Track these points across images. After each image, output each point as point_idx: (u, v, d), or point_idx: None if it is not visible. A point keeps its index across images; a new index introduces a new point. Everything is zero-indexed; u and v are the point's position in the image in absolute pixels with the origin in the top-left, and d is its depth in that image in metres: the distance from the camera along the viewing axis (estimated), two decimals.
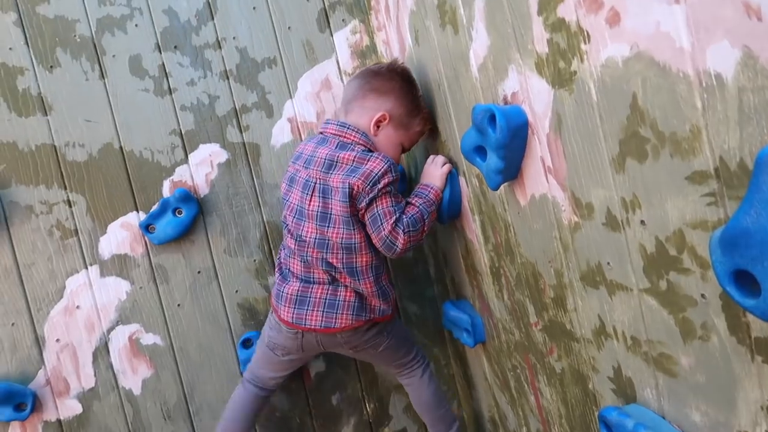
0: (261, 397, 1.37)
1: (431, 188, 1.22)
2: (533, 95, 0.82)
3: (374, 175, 1.15)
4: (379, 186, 1.15)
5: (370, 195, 1.15)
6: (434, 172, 1.24)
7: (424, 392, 1.39)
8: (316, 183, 1.20)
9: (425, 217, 1.19)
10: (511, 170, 0.91)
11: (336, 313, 1.22)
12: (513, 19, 0.81)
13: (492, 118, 0.86)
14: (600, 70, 0.65)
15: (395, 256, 1.20)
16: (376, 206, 1.16)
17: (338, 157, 1.19)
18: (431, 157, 1.27)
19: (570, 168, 0.77)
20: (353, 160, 1.17)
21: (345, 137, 1.22)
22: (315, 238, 1.20)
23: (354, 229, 1.18)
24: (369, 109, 1.24)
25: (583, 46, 0.67)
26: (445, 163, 1.23)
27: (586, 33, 0.66)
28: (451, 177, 1.22)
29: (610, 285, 0.74)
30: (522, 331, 1.07)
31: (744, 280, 0.48)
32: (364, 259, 1.20)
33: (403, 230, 1.16)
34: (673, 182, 0.58)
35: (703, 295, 0.58)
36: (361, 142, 1.22)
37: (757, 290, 0.46)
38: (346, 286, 1.23)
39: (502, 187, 0.98)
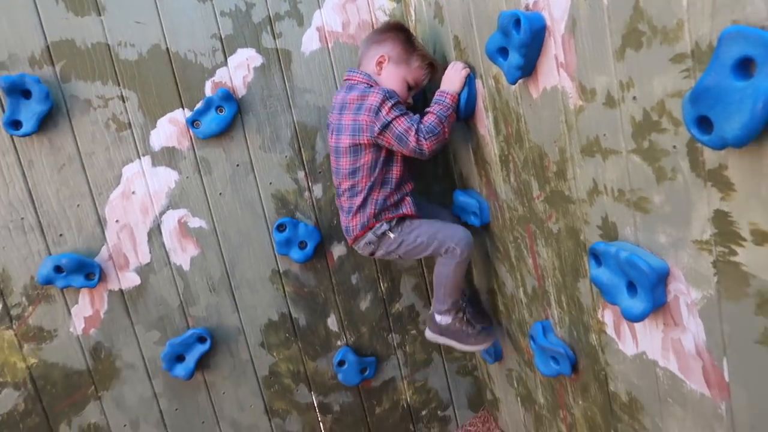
0: None
1: (447, 93, 1.43)
2: (552, 3, 1.01)
3: (374, 106, 1.40)
4: (383, 113, 1.40)
5: (380, 123, 1.40)
6: (454, 76, 1.43)
7: (436, 269, 1.53)
8: (334, 124, 1.50)
9: (443, 120, 1.41)
10: (528, 67, 1.11)
11: (348, 232, 1.54)
12: None
13: (517, 22, 1.06)
14: None
15: (427, 158, 1.46)
16: (395, 128, 1.40)
17: (347, 98, 1.46)
18: (452, 63, 1.46)
19: (579, 61, 0.98)
20: (357, 99, 1.43)
21: (352, 79, 1.51)
22: (335, 168, 1.53)
23: (360, 156, 1.46)
24: (372, 56, 1.51)
25: None
26: (464, 68, 1.42)
27: None
28: (469, 80, 1.42)
29: (605, 152, 0.98)
30: (525, 206, 1.32)
31: (703, 125, 0.71)
32: (365, 181, 1.47)
33: (424, 137, 1.39)
34: (660, 64, 0.80)
35: (674, 146, 0.82)
36: (363, 80, 1.49)
37: (711, 129, 0.69)
38: (351, 209, 1.51)
39: (517, 83, 1.19)
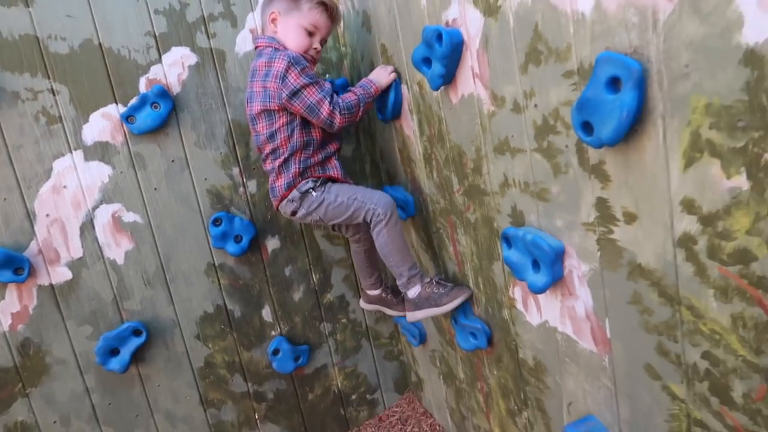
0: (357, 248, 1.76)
1: (374, 84, 1.53)
2: (469, 21, 1.17)
3: (280, 72, 1.42)
4: (290, 80, 1.42)
5: (288, 89, 1.42)
6: (382, 73, 1.55)
7: (376, 245, 1.53)
8: (247, 93, 1.53)
9: (361, 104, 1.50)
10: (449, 76, 1.27)
11: (274, 191, 1.56)
12: None
13: (439, 36, 1.21)
14: (516, 6, 1.02)
15: (334, 131, 1.53)
16: (306, 98, 1.44)
17: (256, 65, 1.49)
18: (382, 65, 1.59)
19: (491, 73, 1.15)
20: (264, 65, 1.46)
21: (258, 46, 1.54)
22: (254, 136, 1.56)
23: (274, 120, 1.48)
24: (265, 16, 1.55)
25: None
26: (392, 71, 1.55)
27: None
28: (396, 84, 1.56)
29: (513, 150, 1.15)
30: (446, 199, 1.48)
31: (586, 129, 0.89)
32: (285, 144, 1.50)
33: (339, 112, 1.46)
34: (554, 78, 0.98)
35: (566, 146, 1.00)
36: (267, 44, 1.51)
37: (592, 132, 0.87)
38: (273, 169, 1.54)
39: (439, 90, 1.35)
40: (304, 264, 1.95)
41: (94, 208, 1.66)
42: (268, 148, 1.53)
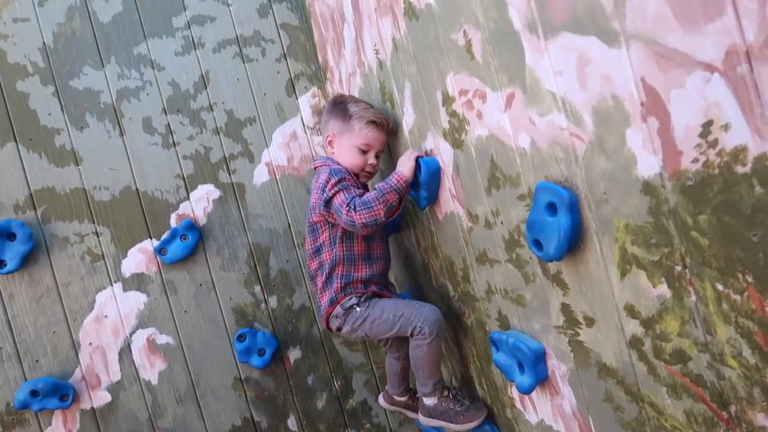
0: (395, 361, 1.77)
1: (395, 174, 1.43)
2: (442, 152, 1.35)
3: (321, 184, 1.47)
4: (327, 189, 1.44)
5: (324, 198, 1.45)
6: (405, 160, 1.44)
7: (410, 353, 1.52)
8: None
9: (380, 196, 1.40)
10: (432, 197, 1.43)
11: (320, 310, 1.57)
12: (429, 105, 1.35)
13: (419, 165, 1.38)
14: (475, 141, 1.19)
15: (363, 232, 1.46)
16: (335, 202, 1.43)
17: (312, 184, 1.55)
18: (407, 152, 1.47)
19: (465, 194, 1.30)
20: (315, 182, 1.51)
21: (316, 166, 1.60)
22: (307, 251, 1.59)
23: (318, 234, 1.53)
24: (323, 136, 1.62)
25: (466, 127, 1.21)
26: (414, 152, 1.44)
27: (467, 120, 1.20)
28: (426, 162, 1.39)
29: (491, 261, 1.27)
30: (446, 305, 1.59)
31: (537, 245, 1.01)
32: (328, 257, 1.52)
33: (354, 208, 1.39)
34: (511, 200, 1.12)
35: (530, 257, 1.12)
36: (320, 164, 1.56)
37: (542, 248, 0.99)
38: (318, 288, 1.56)
39: (427, 208, 1.50)
40: (325, 371, 2.05)
41: (131, 333, 1.84)
42: (314, 265, 1.55)
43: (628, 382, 0.96)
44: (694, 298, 0.78)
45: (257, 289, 1.97)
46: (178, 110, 1.92)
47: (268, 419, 1.97)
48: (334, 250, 1.52)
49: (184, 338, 1.89)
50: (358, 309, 1.51)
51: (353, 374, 2.08)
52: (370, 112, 1.54)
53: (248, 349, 1.90)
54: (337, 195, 1.44)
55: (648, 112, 0.76)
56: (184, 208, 1.91)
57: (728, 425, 0.79)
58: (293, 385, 2.00)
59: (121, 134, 1.86)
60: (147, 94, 1.90)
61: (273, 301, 1.99)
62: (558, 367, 1.15)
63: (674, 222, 0.77)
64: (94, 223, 1.82)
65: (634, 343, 0.91)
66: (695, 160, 0.72)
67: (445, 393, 1.52)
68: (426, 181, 1.37)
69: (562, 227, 0.93)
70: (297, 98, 2.06)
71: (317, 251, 1.54)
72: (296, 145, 2.05)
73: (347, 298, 1.52)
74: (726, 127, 0.67)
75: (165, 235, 1.87)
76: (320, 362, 2.04)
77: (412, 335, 1.47)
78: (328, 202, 1.45)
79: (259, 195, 1.99)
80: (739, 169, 0.67)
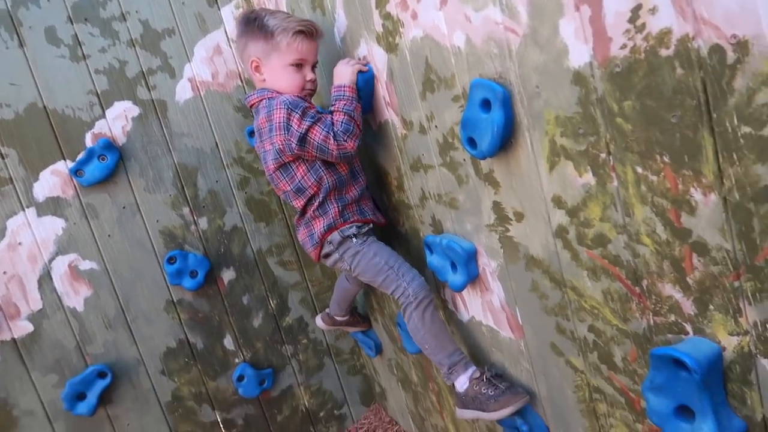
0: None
1: (344, 86, 1.33)
2: (376, 58, 1.32)
3: (283, 123, 1.31)
4: (294, 127, 1.29)
5: (295, 137, 1.30)
6: (344, 68, 1.35)
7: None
8: (260, 154, 1.44)
9: (353, 114, 1.31)
10: (366, 106, 1.41)
11: (312, 242, 1.45)
12: (362, 9, 1.30)
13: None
14: (410, 43, 1.17)
15: (352, 157, 1.37)
16: (313, 139, 1.30)
17: (258, 125, 1.40)
18: (341, 61, 1.38)
19: (399, 101, 1.29)
20: (265, 121, 1.35)
21: (251, 104, 1.43)
22: (282, 195, 1.46)
23: (293, 171, 1.37)
24: (247, 66, 1.43)
25: (401, 29, 1.18)
26: (353, 62, 1.35)
27: (401, 22, 1.17)
28: (363, 74, 1.34)
29: (425, 167, 1.29)
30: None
31: (472, 144, 1.03)
32: (314, 190, 1.38)
33: (343, 140, 1.30)
34: (446, 102, 1.12)
35: (464, 159, 1.14)
36: (259, 98, 1.39)
37: (476, 146, 1.02)
38: (309, 218, 1.43)
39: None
40: (260, 291, 2.05)
41: (51, 260, 1.74)
42: (299, 203, 1.41)
43: (553, 269, 1.02)
44: (615, 183, 0.83)
45: (186, 210, 1.91)
46: (85, 19, 1.75)
47: (204, 340, 1.96)
48: (322, 181, 1.38)
49: (109, 263, 1.81)
50: (354, 240, 1.41)
51: (288, 293, 2.10)
52: (293, 21, 1.37)
53: (179, 271, 1.86)
54: (312, 129, 1.30)
55: (581, 0, 0.77)
56: (100, 126, 1.78)
57: (640, 299, 0.87)
58: (228, 306, 1.99)
59: (21, 45, 1.68)
60: (48, 1, 1.70)
61: (203, 222, 1.93)
62: (488, 264, 1.21)
63: (601, 110, 0.81)
64: None
65: (560, 232, 0.97)
66: (623, 46, 0.74)
67: (476, 374, 1.28)
68: (360, 87, 1.35)
69: (495, 123, 0.95)
70: (219, 8, 1.92)
71: (299, 190, 1.39)
72: (221, 59, 1.94)
73: (347, 225, 1.41)
74: (653, 10, 0.69)
75: (81, 156, 1.74)
76: (255, 282, 2.03)
77: (394, 296, 1.36)
78: (302, 140, 1.31)
79: (183, 112, 1.89)
80: (663, 52, 0.70)
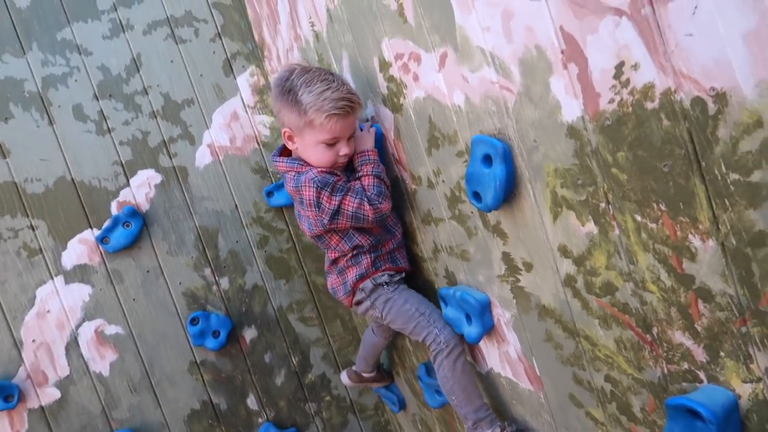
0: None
1: (368, 151, 1.36)
2: (383, 118, 1.37)
3: (313, 201, 1.31)
4: (325, 205, 1.30)
5: (327, 214, 1.31)
6: (365, 135, 1.39)
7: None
8: (296, 212, 1.48)
9: (381, 176, 1.35)
10: None
11: (345, 290, 1.47)
12: (367, 73, 1.37)
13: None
14: (413, 103, 1.22)
15: (387, 216, 1.38)
16: (347, 210, 1.31)
17: (288, 191, 1.41)
18: (361, 126, 1.41)
19: (407, 158, 1.33)
20: (295, 192, 1.36)
21: (279, 169, 1.43)
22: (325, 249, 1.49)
23: (328, 241, 1.41)
24: (282, 133, 1.39)
25: (404, 90, 1.24)
26: (372, 126, 1.41)
27: (404, 84, 1.23)
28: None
29: (435, 220, 1.32)
30: None
31: (477, 197, 1.06)
32: (349, 247, 1.41)
33: (378, 202, 1.32)
34: (451, 157, 1.16)
35: (472, 212, 1.16)
36: (288, 168, 1.39)
37: (481, 200, 1.04)
38: (341, 269, 1.46)
39: None
40: (282, 349, 2.06)
41: (78, 326, 1.79)
42: (334, 255, 1.45)
43: (565, 319, 1.02)
44: (617, 231, 0.84)
45: (207, 271, 1.96)
46: (110, 95, 1.86)
47: (227, 400, 1.97)
48: (358, 246, 1.40)
49: (134, 327, 1.86)
50: (386, 287, 1.42)
51: (310, 349, 2.10)
52: (328, 102, 1.28)
53: (202, 331, 1.89)
54: (344, 201, 1.31)
55: (568, 58, 0.81)
56: (124, 195, 1.86)
57: (652, 347, 0.86)
58: (250, 365, 2.00)
59: (51, 123, 1.79)
60: (75, 81, 1.83)
61: (224, 282, 1.97)
62: (502, 315, 1.21)
63: (596, 161, 0.83)
64: (28, 216, 1.75)
65: (569, 281, 0.98)
66: (611, 101, 0.77)
67: (498, 431, 1.27)
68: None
69: (497, 177, 0.98)
70: (235, 78, 2.03)
71: (336, 252, 1.43)
72: (238, 125, 2.03)
73: (380, 273, 1.42)
74: (635, 66, 0.72)
75: (106, 224, 1.82)
76: (276, 340, 2.05)
77: (425, 342, 1.35)
78: (335, 215, 1.31)
79: (203, 177, 1.97)
80: (649, 105, 0.72)
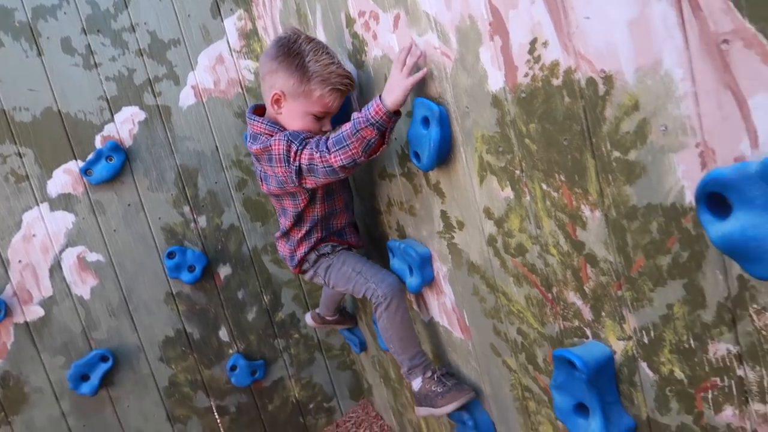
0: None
1: (375, 102, 1.12)
2: (350, 70, 1.42)
3: (283, 155, 1.26)
4: (292, 161, 1.25)
5: (293, 170, 1.25)
6: (395, 82, 1.09)
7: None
8: (259, 171, 1.41)
9: (354, 132, 1.14)
10: (340, 120, 1.51)
11: (292, 263, 1.52)
12: (336, 27, 1.40)
13: None
14: (373, 61, 1.27)
15: (345, 175, 1.23)
16: (303, 164, 1.23)
17: (253, 149, 1.34)
18: (396, 59, 1.09)
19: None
20: (263, 151, 1.30)
21: (253, 128, 1.37)
22: (279, 210, 1.48)
23: (298, 200, 1.38)
24: (267, 90, 1.33)
25: (365, 48, 1.28)
26: (410, 71, 1.07)
27: (365, 41, 1.27)
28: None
29: (389, 176, 1.38)
30: (368, 221, 1.71)
31: (417, 156, 1.12)
32: (310, 217, 1.42)
33: (328, 152, 1.17)
34: (402, 117, 1.21)
35: (417, 170, 1.23)
36: (265, 131, 1.34)
37: (421, 159, 1.10)
38: (293, 240, 1.48)
39: None
40: (255, 287, 2.17)
41: (61, 251, 1.90)
42: (287, 224, 1.45)
43: (488, 275, 1.10)
44: (528, 198, 0.91)
45: (186, 209, 2.04)
46: (98, 30, 1.90)
47: (201, 331, 2.09)
48: (315, 210, 1.41)
49: (114, 256, 1.96)
50: (328, 256, 1.48)
51: (282, 289, 2.21)
52: (335, 75, 1.26)
53: (178, 265, 1.99)
54: (303, 154, 1.23)
55: (494, 31, 0.86)
56: (108, 129, 1.93)
57: (552, 305, 0.94)
58: (224, 300, 2.12)
59: (39, 54, 1.84)
60: (65, 13, 1.86)
61: (202, 220, 2.07)
62: (441, 269, 1.29)
63: (514, 131, 0.89)
64: (16, 144, 1.82)
65: (491, 241, 1.05)
66: (526, 75, 0.82)
67: (428, 374, 1.34)
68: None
69: (432, 139, 1.04)
70: (223, 20, 2.05)
71: (298, 216, 1.42)
72: (223, 68, 2.07)
73: (323, 244, 1.48)
74: (545, 44, 0.77)
75: (90, 156, 1.89)
76: (250, 278, 2.16)
77: (366, 297, 1.39)
78: (299, 171, 1.25)
79: (186, 117, 2.02)
80: (554, 82, 0.78)
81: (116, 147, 1.91)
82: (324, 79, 1.26)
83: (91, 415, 1.96)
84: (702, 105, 0.59)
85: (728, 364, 0.66)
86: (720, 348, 0.67)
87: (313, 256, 1.49)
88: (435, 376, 1.33)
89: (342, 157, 1.17)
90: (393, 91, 1.09)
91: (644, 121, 0.66)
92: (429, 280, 1.32)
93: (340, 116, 1.37)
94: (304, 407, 2.30)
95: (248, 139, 1.39)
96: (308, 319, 2.05)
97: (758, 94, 0.53)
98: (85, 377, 1.91)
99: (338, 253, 1.49)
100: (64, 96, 1.87)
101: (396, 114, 1.13)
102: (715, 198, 0.56)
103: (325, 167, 1.20)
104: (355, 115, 1.16)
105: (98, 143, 1.92)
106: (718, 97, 0.57)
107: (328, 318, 2.01)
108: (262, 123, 1.35)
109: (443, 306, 1.35)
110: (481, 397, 1.31)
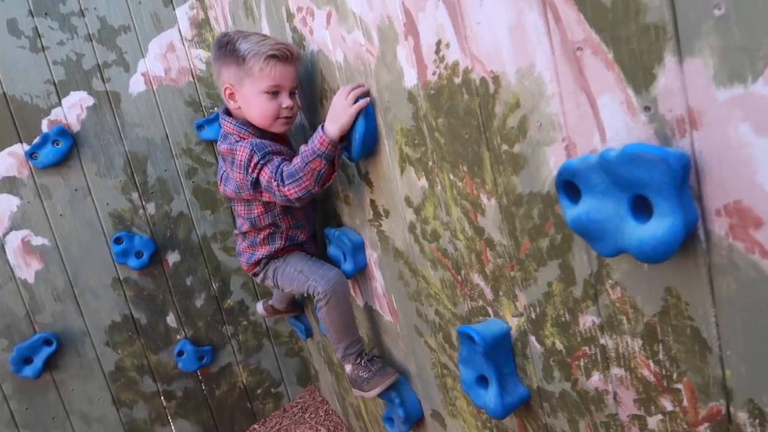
0: None
1: (317, 134, 1.16)
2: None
3: (244, 162, 1.28)
4: (250, 171, 1.27)
5: (250, 180, 1.28)
6: (338, 109, 1.13)
7: (320, 319, 1.45)
8: (222, 171, 1.44)
9: (303, 166, 1.18)
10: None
11: (247, 261, 1.54)
12: (278, 20, 1.45)
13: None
14: (310, 56, 1.32)
15: (301, 204, 1.27)
16: (262, 181, 1.26)
17: (221, 149, 1.37)
18: (342, 88, 1.13)
19: (305, 106, 1.44)
20: (229, 152, 1.33)
21: (224, 127, 1.38)
22: (236, 213, 1.50)
23: (252, 207, 1.41)
24: (223, 90, 1.35)
25: (304, 42, 1.33)
26: (351, 96, 1.11)
27: (303, 36, 1.32)
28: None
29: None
30: None
31: (347, 149, 1.18)
32: (265, 226, 1.45)
33: (283, 183, 1.21)
34: None
35: (350, 161, 1.29)
36: (234, 132, 1.35)
37: (350, 151, 1.16)
38: (255, 241, 1.49)
39: None
40: (203, 274, 2.20)
41: (5, 234, 1.89)
42: (246, 228, 1.47)
43: (410, 261, 1.17)
44: (439, 187, 0.98)
45: (135, 195, 2.06)
46: (45, 13, 1.90)
47: (148, 316, 2.12)
48: (277, 223, 1.44)
49: (60, 240, 1.97)
50: (277, 260, 1.51)
51: (231, 277, 2.25)
52: (266, 45, 1.26)
53: (125, 251, 2.01)
54: (263, 173, 1.25)
55: (407, 31, 0.92)
56: (56, 114, 1.93)
57: (461, 286, 1.02)
58: (172, 286, 2.15)
59: None
60: None
61: (151, 207, 2.09)
62: (372, 255, 1.36)
63: (426, 125, 0.96)
64: None
65: (411, 228, 1.12)
66: (434, 73, 0.89)
67: (358, 360, 1.41)
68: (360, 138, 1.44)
69: (357, 131, 1.10)
70: (174, 9, 2.07)
71: (252, 223, 1.44)
72: (174, 56, 2.09)
73: (284, 253, 1.51)
74: (448, 45, 0.84)
75: (36, 140, 1.89)
76: (198, 265, 2.19)
77: (308, 294, 1.43)
78: (255, 184, 1.28)
79: (136, 104, 2.04)
80: (456, 80, 0.85)
81: (63, 131, 1.91)
82: (256, 52, 1.26)
83: (34, 398, 1.97)
84: (565, 104, 0.67)
85: (593, 334, 0.75)
86: (587, 320, 0.75)
87: (264, 260, 1.52)
88: (362, 361, 1.40)
89: (296, 189, 1.21)
90: (338, 119, 1.12)
91: (524, 117, 0.74)
92: (362, 267, 1.39)
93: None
94: (251, 392, 2.35)
95: (219, 138, 1.42)
96: (259, 308, 2.10)
97: (604, 95, 0.61)
98: (28, 360, 1.91)
99: (286, 257, 1.51)
100: (9, 78, 1.86)
101: (341, 141, 1.17)
102: (571, 186, 0.64)
103: (281, 197, 1.24)
104: (302, 148, 1.20)
105: (45, 127, 1.92)
106: (576, 97, 0.65)
107: (278, 308, 2.06)
108: (231, 123, 1.36)
109: (375, 291, 1.42)
110: (408, 377, 1.39)
